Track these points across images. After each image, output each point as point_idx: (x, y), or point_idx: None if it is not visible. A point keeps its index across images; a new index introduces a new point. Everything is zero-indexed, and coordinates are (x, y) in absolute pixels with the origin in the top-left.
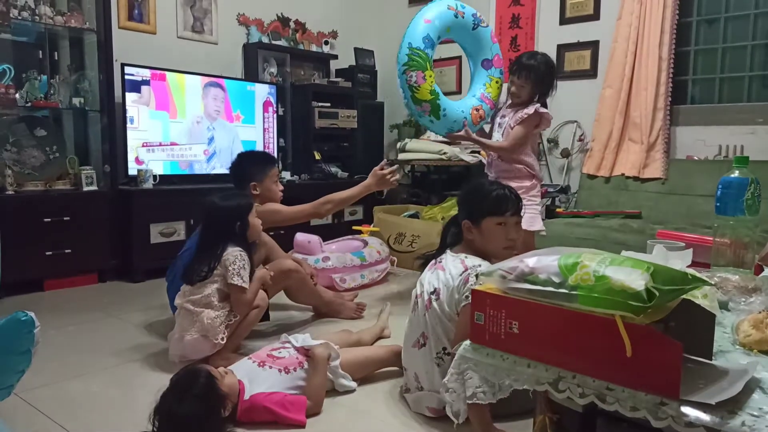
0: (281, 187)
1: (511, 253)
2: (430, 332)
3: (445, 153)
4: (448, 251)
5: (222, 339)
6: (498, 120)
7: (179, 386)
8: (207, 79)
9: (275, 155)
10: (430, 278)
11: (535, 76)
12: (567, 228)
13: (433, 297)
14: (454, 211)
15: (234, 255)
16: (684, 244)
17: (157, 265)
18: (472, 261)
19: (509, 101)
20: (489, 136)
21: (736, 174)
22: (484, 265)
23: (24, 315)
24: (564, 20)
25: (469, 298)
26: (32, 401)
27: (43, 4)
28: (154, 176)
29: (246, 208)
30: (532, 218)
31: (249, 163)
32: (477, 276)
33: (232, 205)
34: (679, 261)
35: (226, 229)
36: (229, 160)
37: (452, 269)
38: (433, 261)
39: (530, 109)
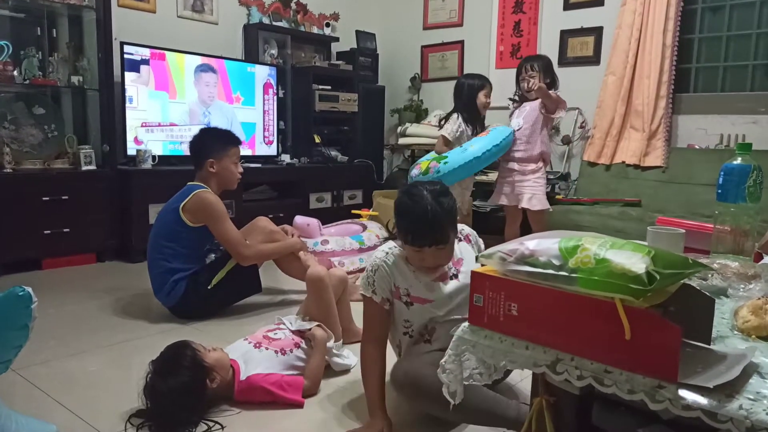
0: (241, 170)
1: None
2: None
3: None
4: None
5: None
6: (516, 114)
7: (164, 360)
8: (198, 63)
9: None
10: None
11: (539, 66)
12: (566, 215)
13: None
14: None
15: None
16: (683, 231)
17: None
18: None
19: (522, 99)
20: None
21: (738, 161)
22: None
23: (21, 290)
24: (568, 5)
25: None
26: (30, 378)
27: None
28: (153, 156)
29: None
30: (537, 199)
31: (210, 139)
32: (477, 258)
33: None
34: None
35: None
36: None
37: None
38: None
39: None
